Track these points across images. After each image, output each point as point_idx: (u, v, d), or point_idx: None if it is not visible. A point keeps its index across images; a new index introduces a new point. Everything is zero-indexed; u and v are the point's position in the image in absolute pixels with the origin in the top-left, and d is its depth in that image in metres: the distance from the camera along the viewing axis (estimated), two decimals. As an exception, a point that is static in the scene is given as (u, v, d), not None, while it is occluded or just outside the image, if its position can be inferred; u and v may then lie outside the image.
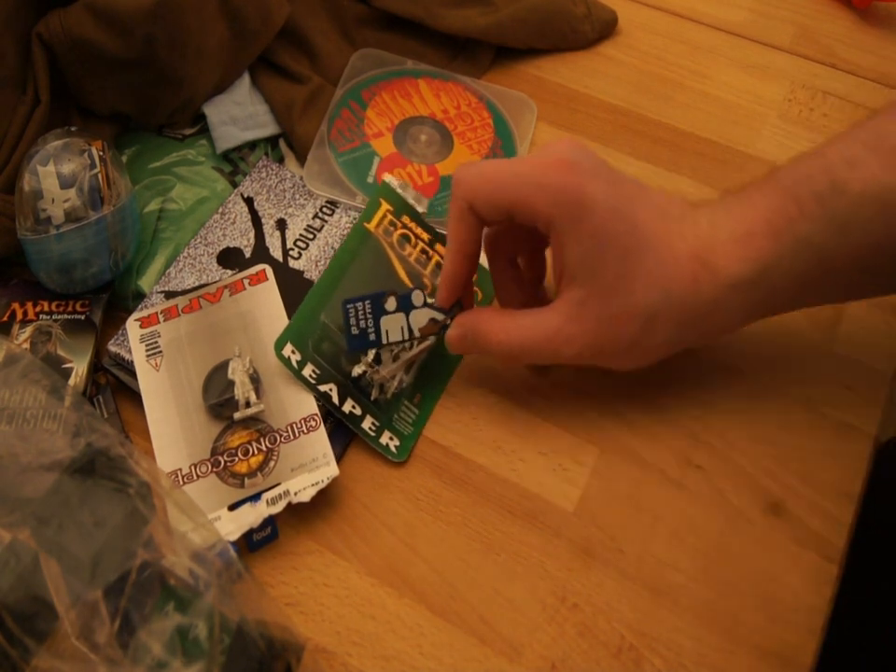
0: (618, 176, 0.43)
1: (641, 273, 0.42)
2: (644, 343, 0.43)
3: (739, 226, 0.43)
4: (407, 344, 0.47)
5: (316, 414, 0.46)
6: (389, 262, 0.51)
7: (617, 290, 0.42)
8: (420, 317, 0.46)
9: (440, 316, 0.46)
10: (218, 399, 0.46)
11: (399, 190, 0.52)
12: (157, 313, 0.49)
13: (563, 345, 0.43)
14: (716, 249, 0.43)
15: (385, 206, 0.51)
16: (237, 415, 0.46)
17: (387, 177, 0.52)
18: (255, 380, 0.47)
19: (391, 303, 0.45)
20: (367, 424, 0.46)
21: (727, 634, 0.42)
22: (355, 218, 0.54)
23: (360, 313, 0.45)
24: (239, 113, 0.57)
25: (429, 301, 0.46)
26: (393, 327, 0.45)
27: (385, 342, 0.46)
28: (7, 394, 0.40)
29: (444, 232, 0.49)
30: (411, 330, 0.46)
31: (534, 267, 0.49)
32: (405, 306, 0.45)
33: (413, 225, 0.52)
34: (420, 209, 0.52)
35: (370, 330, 0.45)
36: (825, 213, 0.42)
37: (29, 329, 0.48)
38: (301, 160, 0.57)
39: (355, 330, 0.45)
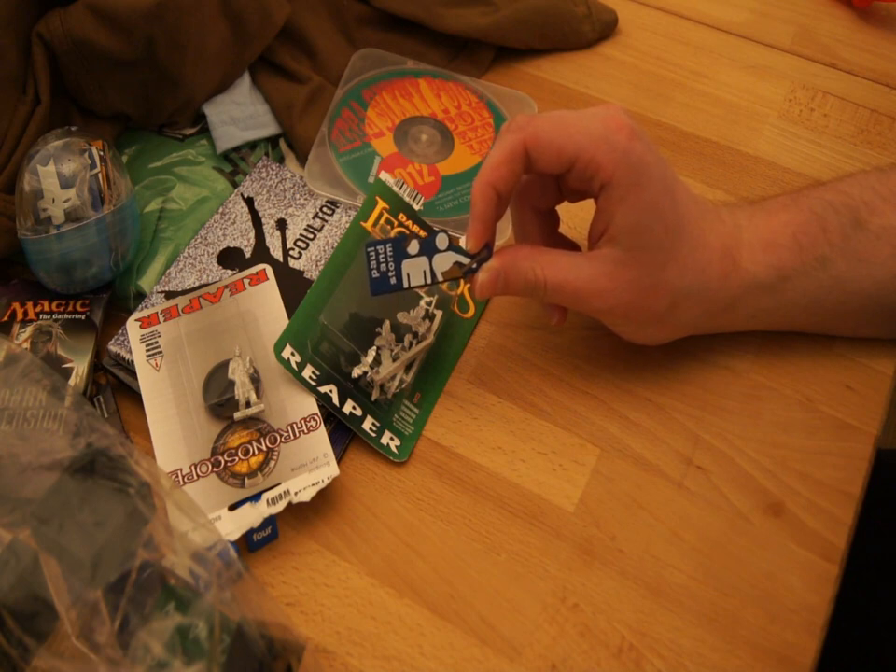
0: (663, 156, 0.44)
1: (679, 255, 0.44)
2: (668, 320, 0.45)
3: (763, 233, 0.46)
4: (426, 290, 0.46)
5: (317, 414, 0.46)
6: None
7: (657, 264, 0.43)
8: (444, 261, 0.45)
9: (464, 260, 0.45)
10: (219, 399, 0.46)
11: (394, 188, 0.52)
12: (157, 313, 0.49)
13: (593, 296, 0.44)
14: (741, 250, 0.45)
15: (381, 205, 0.51)
16: (237, 415, 0.46)
17: (383, 175, 0.52)
18: (255, 380, 0.47)
19: (413, 246, 0.44)
20: (367, 424, 0.46)
21: (727, 634, 0.42)
22: (355, 218, 0.54)
23: (381, 255, 0.44)
24: (239, 113, 0.57)
25: (454, 244, 0.45)
26: (415, 271, 0.44)
27: (406, 285, 0.44)
28: (8, 394, 0.40)
29: (440, 229, 0.49)
30: (433, 274, 0.45)
31: (550, 219, 0.49)
32: (428, 250, 0.44)
33: (409, 223, 0.52)
34: (416, 206, 0.52)
35: (390, 273, 0.44)
36: (847, 244, 0.45)
37: (29, 329, 0.48)
38: (302, 160, 0.57)
39: (375, 273, 0.44)
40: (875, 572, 0.62)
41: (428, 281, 0.45)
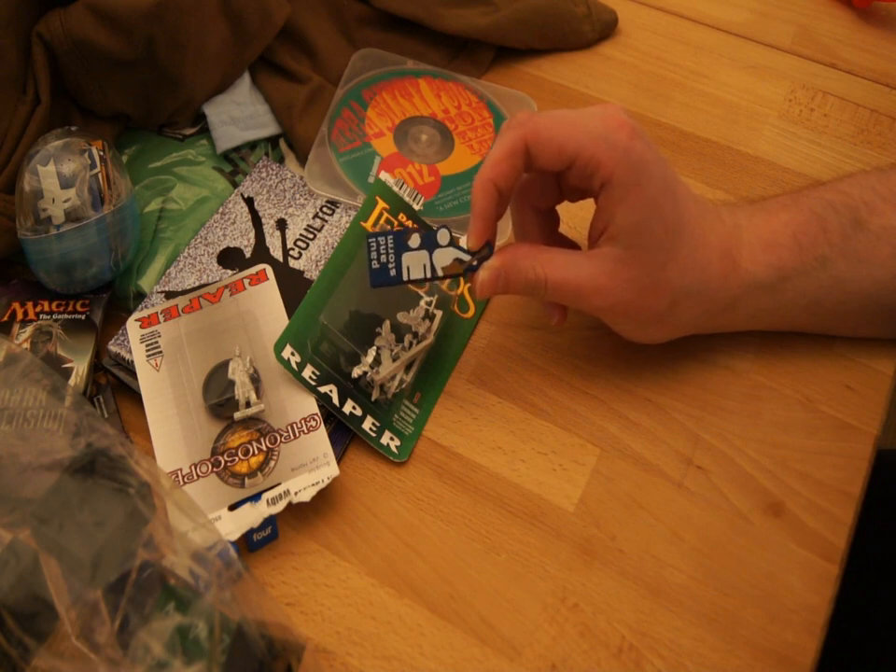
0: (663, 155, 0.44)
1: (679, 255, 0.44)
2: (668, 319, 0.45)
3: (763, 233, 0.46)
4: (426, 285, 0.46)
5: (317, 414, 0.46)
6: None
7: (657, 263, 0.43)
8: (444, 257, 0.45)
9: (465, 257, 0.45)
10: (219, 399, 0.46)
11: (394, 188, 0.52)
12: (157, 313, 0.49)
13: (594, 294, 0.44)
14: (741, 249, 0.45)
15: (381, 205, 0.51)
16: (237, 415, 0.46)
17: (383, 175, 0.52)
18: (255, 380, 0.47)
19: (414, 240, 0.44)
20: (367, 424, 0.46)
21: (727, 634, 0.42)
22: (355, 218, 0.54)
23: (382, 247, 0.44)
24: (239, 113, 0.57)
25: (455, 241, 0.45)
26: (415, 264, 0.45)
27: (406, 278, 0.45)
28: (8, 394, 0.40)
29: (441, 226, 0.49)
30: (434, 269, 0.45)
31: (550, 218, 0.49)
32: (429, 244, 0.45)
33: (409, 223, 0.52)
34: (416, 206, 0.52)
35: (390, 265, 0.44)
36: (847, 244, 0.45)
37: (29, 329, 0.48)
38: (302, 160, 0.57)
39: (375, 265, 0.44)
40: (875, 572, 0.62)
41: (428, 275, 0.45)
